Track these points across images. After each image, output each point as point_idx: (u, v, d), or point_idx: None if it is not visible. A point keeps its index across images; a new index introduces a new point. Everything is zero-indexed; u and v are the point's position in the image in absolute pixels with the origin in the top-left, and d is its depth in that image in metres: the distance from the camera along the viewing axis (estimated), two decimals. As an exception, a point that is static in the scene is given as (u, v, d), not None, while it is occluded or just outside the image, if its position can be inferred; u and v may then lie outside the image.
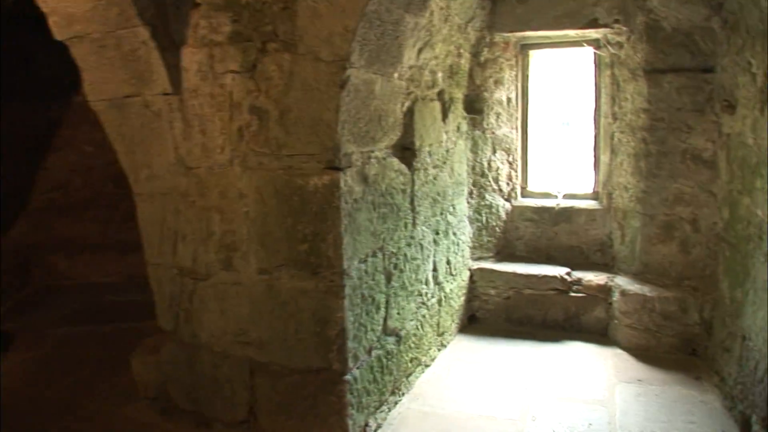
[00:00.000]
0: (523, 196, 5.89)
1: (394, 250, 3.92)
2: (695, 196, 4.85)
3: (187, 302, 3.75)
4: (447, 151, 4.86)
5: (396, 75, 3.70)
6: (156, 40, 3.31)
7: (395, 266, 3.94)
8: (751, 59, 3.87)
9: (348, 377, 3.31)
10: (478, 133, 5.56)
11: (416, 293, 4.34)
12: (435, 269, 4.74)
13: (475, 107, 5.50)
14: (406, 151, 4.14)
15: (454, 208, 5.12)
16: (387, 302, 3.83)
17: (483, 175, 5.63)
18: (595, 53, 5.43)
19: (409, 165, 4.13)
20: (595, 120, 5.55)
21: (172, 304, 3.83)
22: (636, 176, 5.07)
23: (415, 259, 4.27)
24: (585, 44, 5.38)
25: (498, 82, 5.56)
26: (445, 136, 4.80)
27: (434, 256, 4.72)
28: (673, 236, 4.96)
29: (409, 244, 4.17)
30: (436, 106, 4.61)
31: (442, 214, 4.83)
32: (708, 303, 4.71)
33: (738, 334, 4.02)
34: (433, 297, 4.73)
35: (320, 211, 3.25)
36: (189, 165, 3.56)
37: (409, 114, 4.10)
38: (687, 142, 4.82)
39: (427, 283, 4.56)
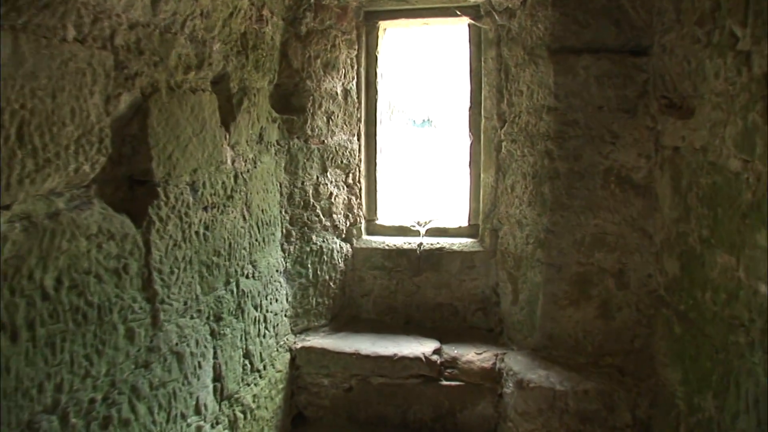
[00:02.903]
0: (369, 233, 4.01)
1: (98, 394, 1.87)
2: (622, 237, 3.29)
3: None
4: (236, 177, 2.82)
5: (72, 34, 1.62)
6: None
7: (105, 422, 1.89)
8: (737, 29, 2.30)
9: None
10: (297, 143, 3.55)
11: (175, 441, 2.31)
12: (219, 377, 2.75)
13: (292, 103, 3.50)
14: (137, 187, 2.07)
15: (254, 266, 3.10)
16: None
17: (307, 206, 3.64)
18: (472, 25, 3.65)
19: (140, 215, 2.08)
20: (471, 123, 3.79)
21: None
22: (536, 207, 3.37)
23: (161, 386, 2.24)
24: (459, 13, 3.58)
25: (330, 66, 3.60)
26: (230, 153, 2.75)
27: (216, 357, 2.70)
28: (591, 295, 3.36)
29: (145, 365, 2.14)
30: (209, 101, 2.56)
31: (228, 284, 2.80)
32: (644, 396, 3.17)
33: (712, 469, 2.44)
34: (219, 423, 2.73)
35: None
36: None
37: (139, 117, 2.05)
38: (611, 157, 3.21)
39: (199, 411, 2.56)
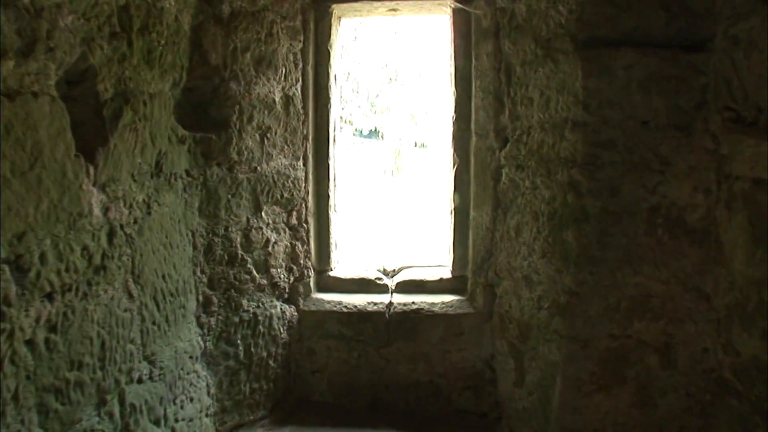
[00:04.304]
0: (321, 289, 3.03)
1: None
2: (670, 300, 2.45)
3: None
4: (112, 234, 1.79)
5: None
6: None
7: None
8: None
9: None
10: (218, 172, 2.49)
11: None
12: None
13: (210, 116, 2.45)
14: None
15: (152, 362, 2.06)
16: None
17: (233, 261, 2.59)
18: (458, 10, 2.71)
19: None
20: (456, 141, 2.85)
21: None
22: (554, 259, 2.47)
23: None
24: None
25: (265, 64, 2.60)
26: (99, 198, 1.71)
27: None
28: (626, 377, 2.51)
29: None
30: (52, 113, 1.51)
31: (102, 404, 1.78)
32: None
33: None
34: None
35: None
36: None
37: None
38: (659, 191, 2.34)
39: None
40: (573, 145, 2.35)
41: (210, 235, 2.46)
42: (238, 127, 2.50)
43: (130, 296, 1.89)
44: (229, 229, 2.53)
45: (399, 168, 17.35)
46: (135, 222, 1.91)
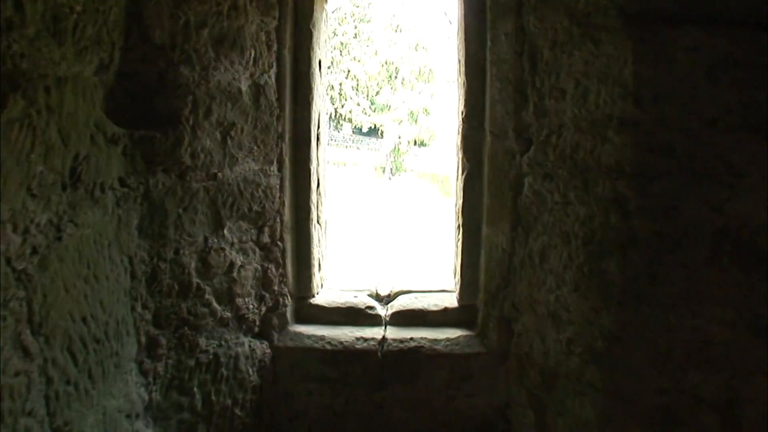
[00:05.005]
0: (300, 320, 2.52)
1: None
2: (736, 347, 1.98)
3: None
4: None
5: None
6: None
7: None
8: None
9: None
10: (164, 180, 1.96)
11: None
12: None
13: (155, 108, 1.93)
14: None
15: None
16: None
17: (186, 291, 2.08)
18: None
19: None
20: (465, 142, 2.34)
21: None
22: (591, 294, 1.97)
23: None
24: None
25: (227, 44, 2.09)
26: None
27: None
28: None
29: None
30: None
31: None
32: None
33: None
34: None
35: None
36: None
37: None
38: (726, 210, 1.85)
39: None
40: (619, 149, 1.84)
41: (155, 260, 1.94)
42: (191, 123, 1.97)
43: (26, 354, 1.39)
44: (181, 251, 2.01)
45: (398, 167, 16.91)
46: (34, 252, 1.40)
